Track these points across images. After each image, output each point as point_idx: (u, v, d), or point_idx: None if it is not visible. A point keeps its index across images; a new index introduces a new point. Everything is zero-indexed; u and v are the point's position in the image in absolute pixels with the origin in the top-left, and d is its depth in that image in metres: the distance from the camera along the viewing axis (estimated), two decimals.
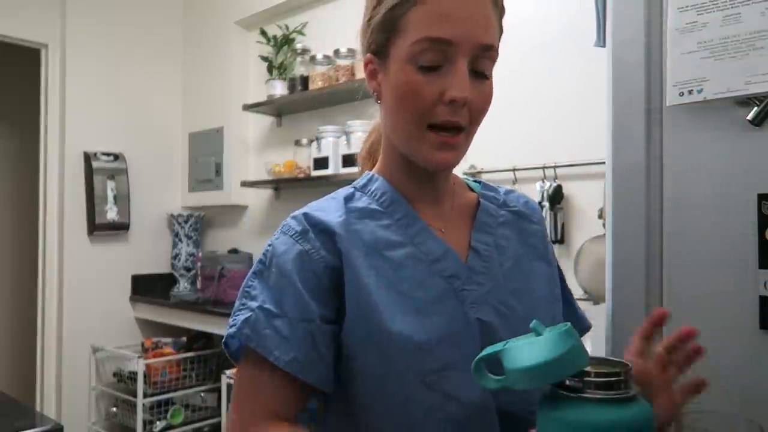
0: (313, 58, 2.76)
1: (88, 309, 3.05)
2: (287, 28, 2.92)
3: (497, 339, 0.63)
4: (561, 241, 2.02)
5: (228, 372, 2.53)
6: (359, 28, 0.76)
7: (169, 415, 2.83)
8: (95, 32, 3.13)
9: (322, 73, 2.72)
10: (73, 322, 3.00)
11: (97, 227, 3.05)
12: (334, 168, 2.59)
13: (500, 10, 0.71)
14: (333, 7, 2.86)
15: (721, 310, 0.80)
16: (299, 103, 2.86)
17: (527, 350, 0.53)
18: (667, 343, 0.66)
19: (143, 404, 2.73)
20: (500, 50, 0.70)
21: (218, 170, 3.22)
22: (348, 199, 0.75)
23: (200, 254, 3.13)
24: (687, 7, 0.81)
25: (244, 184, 3.00)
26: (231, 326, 0.70)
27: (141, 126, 3.30)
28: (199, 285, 3.09)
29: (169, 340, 3.00)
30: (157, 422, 2.80)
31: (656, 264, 0.86)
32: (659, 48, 0.86)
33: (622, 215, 0.90)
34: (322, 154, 2.62)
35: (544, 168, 2.05)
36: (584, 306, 1.89)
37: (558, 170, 2.04)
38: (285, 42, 2.90)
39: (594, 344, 1.14)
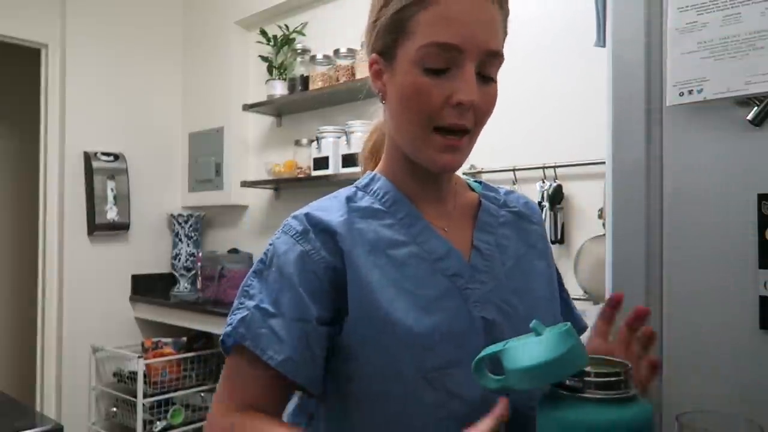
0: (313, 58, 2.76)
1: (88, 309, 3.05)
2: (287, 28, 2.92)
3: (501, 337, 0.63)
4: (561, 241, 2.02)
5: None
6: (364, 27, 0.76)
7: (169, 415, 2.83)
8: (95, 32, 3.13)
9: (322, 73, 2.72)
10: (73, 322, 3.00)
11: (97, 227, 3.05)
12: (334, 168, 2.59)
13: (506, 13, 0.71)
14: (333, 7, 2.86)
15: (721, 310, 0.80)
16: (299, 103, 2.86)
17: (527, 350, 0.53)
18: (626, 321, 0.69)
19: (143, 404, 2.73)
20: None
21: (218, 170, 3.22)
22: (350, 198, 0.76)
23: (200, 254, 3.13)
24: (687, 7, 0.81)
25: (244, 184, 3.00)
26: (228, 325, 0.71)
27: (141, 126, 3.30)
28: (199, 285, 3.09)
29: (169, 340, 2.99)
30: (157, 422, 2.80)
31: (656, 264, 0.86)
32: (659, 48, 0.86)
33: (622, 215, 0.90)
34: (322, 154, 2.62)
35: (544, 168, 2.05)
36: (584, 306, 1.90)
37: (558, 170, 2.04)
38: (285, 42, 2.90)
39: None
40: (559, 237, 2.02)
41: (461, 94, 0.66)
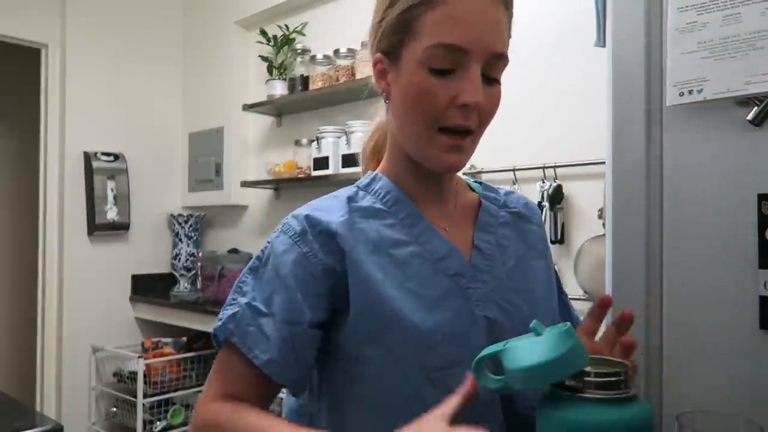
0: (313, 58, 2.76)
1: (88, 309, 3.05)
2: (287, 28, 2.92)
3: (502, 337, 0.63)
4: (561, 241, 2.02)
5: None
6: (368, 27, 0.76)
7: (169, 415, 2.83)
8: (95, 32, 3.13)
9: (322, 73, 2.72)
10: (73, 322, 3.00)
11: (97, 227, 3.05)
12: (334, 168, 2.59)
13: (510, 15, 0.71)
14: (333, 7, 2.86)
15: (721, 309, 0.80)
16: (299, 103, 2.85)
17: (527, 350, 0.53)
18: (614, 321, 0.70)
19: (143, 404, 2.73)
20: None
21: (218, 170, 3.22)
22: (351, 198, 0.76)
23: (200, 254, 3.13)
24: (687, 7, 0.81)
25: (244, 184, 3.00)
26: (219, 319, 0.71)
27: (141, 126, 3.30)
28: (199, 285, 3.09)
29: (169, 340, 2.99)
30: (157, 422, 2.80)
31: (656, 264, 0.86)
32: (659, 48, 0.86)
33: (622, 215, 0.90)
34: (322, 154, 2.62)
35: (544, 168, 2.05)
36: (584, 306, 1.89)
37: (558, 170, 2.04)
38: (285, 42, 2.90)
39: None
40: (559, 237, 2.02)
41: (467, 95, 0.66)
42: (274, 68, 2.90)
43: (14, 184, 3.95)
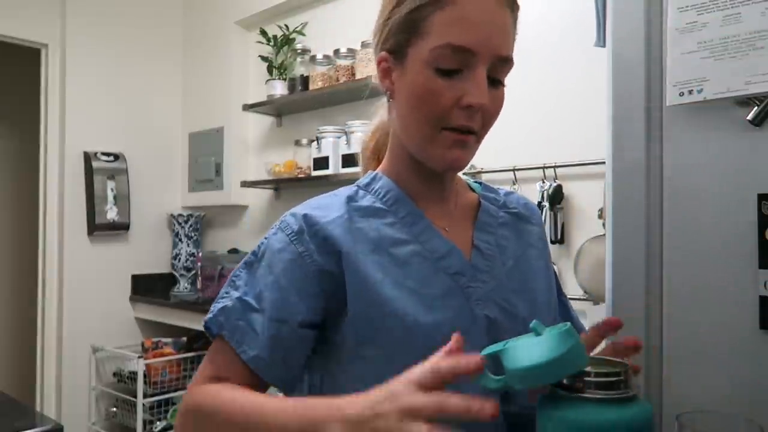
0: (313, 58, 2.76)
1: (88, 309, 3.05)
2: (287, 28, 2.92)
3: (502, 336, 0.63)
4: (561, 241, 2.02)
5: None
6: (373, 25, 0.76)
7: (169, 415, 2.83)
8: (95, 32, 3.13)
9: (322, 73, 2.72)
10: (73, 322, 3.00)
11: (97, 227, 3.05)
12: (334, 168, 2.59)
13: (515, 18, 0.72)
14: (333, 7, 2.86)
15: (721, 309, 0.80)
16: (299, 103, 2.86)
17: (527, 350, 0.53)
18: (615, 347, 0.68)
19: (143, 404, 2.73)
20: None
21: (218, 170, 3.22)
22: (351, 198, 0.76)
23: (200, 254, 3.13)
24: (687, 7, 0.81)
25: (244, 184, 3.00)
26: (210, 312, 0.72)
27: (141, 126, 3.30)
28: (199, 285, 3.09)
29: (169, 340, 2.99)
30: (157, 422, 2.80)
31: (656, 264, 0.86)
32: (659, 48, 0.86)
33: (622, 215, 0.90)
34: (322, 154, 2.62)
35: (544, 168, 2.05)
36: (584, 306, 1.90)
37: (558, 170, 2.04)
38: (285, 42, 2.90)
39: None
40: (559, 237, 2.02)
41: (472, 96, 0.67)
42: (274, 68, 2.90)
43: (14, 184, 3.95)
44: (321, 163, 2.63)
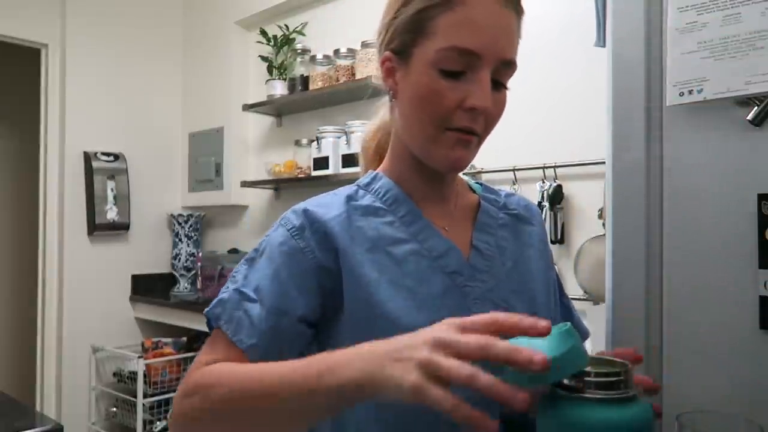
0: (313, 58, 2.76)
1: (88, 309, 3.05)
2: (287, 28, 2.92)
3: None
4: (561, 241, 2.02)
5: None
6: (378, 25, 0.76)
7: (169, 415, 2.82)
8: (95, 32, 3.13)
9: (322, 73, 2.72)
10: (73, 322, 3.00)
11: (97, 227, 3.05)
12: (334, 168, 2.59)
13: (521, 21, 0.72)
14: (333, 7, 2.86)
15: (721, 309, 0.80)
16: (299, 103, 2.86)
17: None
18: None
19: (143, 404, 2.73)
20: None
21: (218, 170, 3.22)
22: (351, 197, 0.76)
23: (200, 254, 3.13)
24: (687, 7, 0.81)
25: (244, 184, 3.00)
26: (211, 305, 0.72)
27: (141, 126, 3.30)
28: (199, 285, 3.09)
29: (169, 340, 3.00)
30: (157, 422, 2.80)
31: (656, 264, 0.86)
32: (659, 48, 0.86)
33: (622, 215, 0.90)
34: (322, 154, 2.62)
35: (544, 168, 2.05)
36: (584, 306, 1.89)
37: (558, 170, 2.04)
38: (285, 42, 2.90)
39: (594, 344, 1.14)
40: (559, 237, 2.02)
41: (475, 99, 0.67)
42: (274, 68, 2.90)
43: (14, 184, 3.95)
44: (321, 163, 2.63)
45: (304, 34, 2.91)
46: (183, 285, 3.26)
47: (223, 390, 0.61)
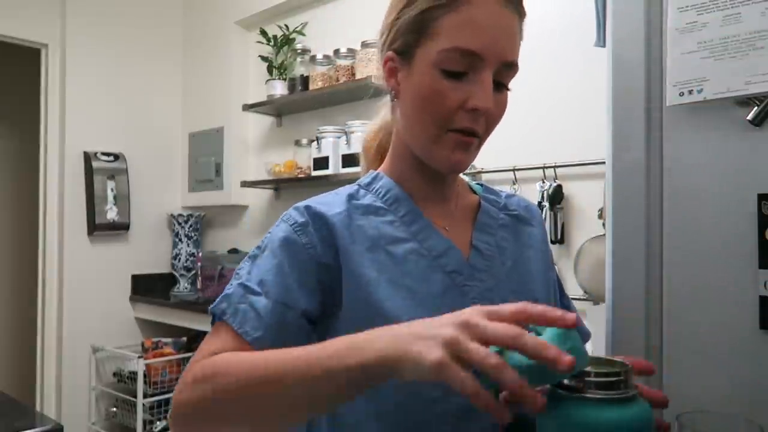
0: (313, 58, 2.76)
1: (88, 309, 3.05)
2: (287, 28, 2.92)
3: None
4: (561, 241, 2.02)
5: None
6: (381, 25, 0.76)
7: (168, 415, 2.82)
8: (95, 32, 3.13)
9: (322, 73, 2.72)
10: (73, 322, 3.00)
11: (97, 227, 3.05)
12: (334, 168, 2.59)
13: (522, 23, 0.72)
14: (333, 7, 2.86)
15: (721, 310, 0.80)
16: (299, 103, 2.86)
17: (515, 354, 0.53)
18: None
19: (143, 404, 2.73)
20: None
21: (218, 170, 3.22)
22: (352, 196, 0.76)
23: (200, 254, 3.13)
24: (687, 7, 0.81)
25: (244, 184, 3.00)
26: (215, 302, 0.71)
27: (141, 126, 3.31)
28: (199, 285, 3.09)
29: (169, 340, 3.00)
30: (157, 422, 2.80)
31: (656, 264, 0.86)
32: (659, 48, 0.86)
33: (622, 215, 0.90)
34: (322, 154, 2.62)
35: (544, 168, 2.05)
36: (584, 306, 1.90)
37: (558, 170, 2.04)
38: (285, 42, 2.90)
39: (594, 344, 1.14)
40: (559, 237, 2.02)
41: (477, 100, 0.67)
42: (274, 68, 2.90)
43: (14, 184, 3.95)
44: (321, 163, 2.63)
45: (304, 34, 2.91)
46: (183, 285, 3.27)
47: (237, 376, 0.60)
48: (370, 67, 2.43)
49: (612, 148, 0.91)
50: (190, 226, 3.28)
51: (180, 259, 3.26)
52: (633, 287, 0.88)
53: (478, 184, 0.87)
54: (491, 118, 0.71)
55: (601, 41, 1.26)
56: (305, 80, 2.79)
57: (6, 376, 3.76)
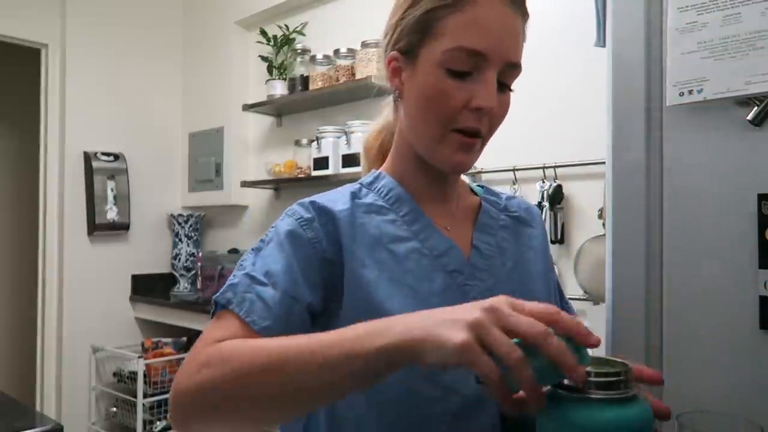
0: (313, 58, 2.76)
1: (88, 309, 3.05)
2: (287, 28, 2.92)
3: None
4: (561, 241, 2.02)
5: None
6: (385, 25, 0.76)
7: (169, 415, 2.83)
8: (95, 32, 3.13)
9: (322, 73, 2.72)
10: (73, 322, 3.00)
11: (97, 227, 3.05)
12: (334, 168, 2.59)
13: (526, 25, 0.73)
14: (333, 7, 2.86)
15: (721, 310, 0.80)
16: (299, 103, 2.86)
17: (526, 350, 0.53)
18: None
19: (143, 404, 2.73)
20: None
21: (218, 170, 3.22)
22: (354, 194, 0.76)
23: (200, 254, 3.13)
24: (687, 7, 0.81)
25: (244, 184, 3.00)
26: (220, 291, 0.69)
27: (141, 126, 3.31)
28: (199, 285, 3.10)
29: (169, 340, 3.00)
30: (157, 422, 2.80)
31: (656, 264, 0.86)
32: (659, 48, 0.86)
33: (622, 215, 0.90)
34: (322, 154, 2.62)
35: (544, 168, 2.05)
36: (584, 306, 1.90)
37: (558, 170, 2.04)
38: (285, 42, 2.90)
39: None
40: (559, 237, 2.02)
41: (481, 99, 0.67)
42: (274, 68, 2.90)
43: (14, 184, 3.95)
44: (321, 163, 2.63)
45: (304, 34, 2.91)
46: (183, 285, 3.27)
47: (251, 361, 0.58)
48: (370, 67, 2.43)
49: (612, 148, 0.91)
50: (190, 226, 3.28)
51: (180, 259, 3.26)
52: (633, 287, 0.88)
53: (478, 185, 0.87)
54: (494, 118, 0.71)
55: (601, 41, 1.26)
56: (305, 80, 2.79)
57: (6, 376, 3.76)
